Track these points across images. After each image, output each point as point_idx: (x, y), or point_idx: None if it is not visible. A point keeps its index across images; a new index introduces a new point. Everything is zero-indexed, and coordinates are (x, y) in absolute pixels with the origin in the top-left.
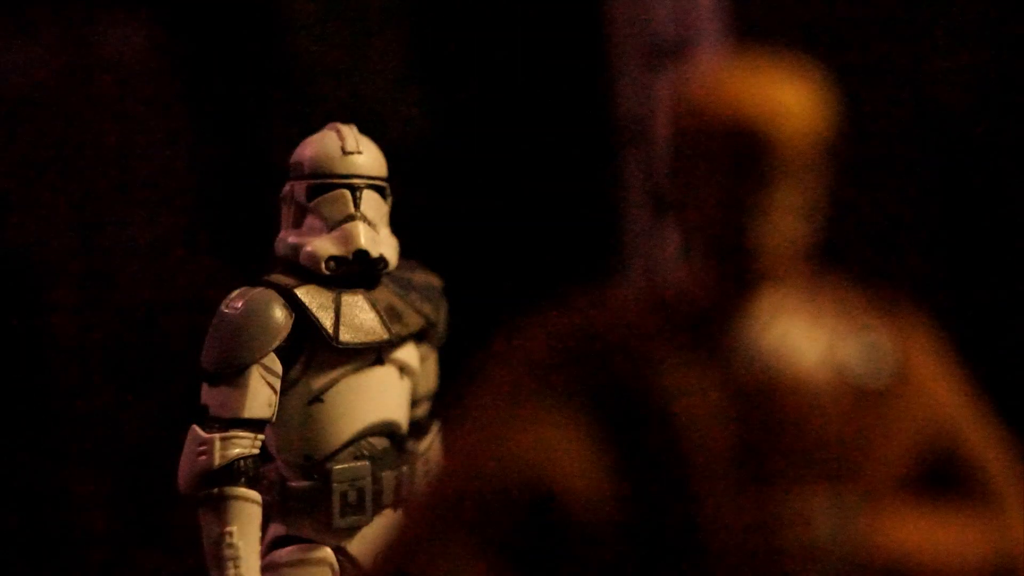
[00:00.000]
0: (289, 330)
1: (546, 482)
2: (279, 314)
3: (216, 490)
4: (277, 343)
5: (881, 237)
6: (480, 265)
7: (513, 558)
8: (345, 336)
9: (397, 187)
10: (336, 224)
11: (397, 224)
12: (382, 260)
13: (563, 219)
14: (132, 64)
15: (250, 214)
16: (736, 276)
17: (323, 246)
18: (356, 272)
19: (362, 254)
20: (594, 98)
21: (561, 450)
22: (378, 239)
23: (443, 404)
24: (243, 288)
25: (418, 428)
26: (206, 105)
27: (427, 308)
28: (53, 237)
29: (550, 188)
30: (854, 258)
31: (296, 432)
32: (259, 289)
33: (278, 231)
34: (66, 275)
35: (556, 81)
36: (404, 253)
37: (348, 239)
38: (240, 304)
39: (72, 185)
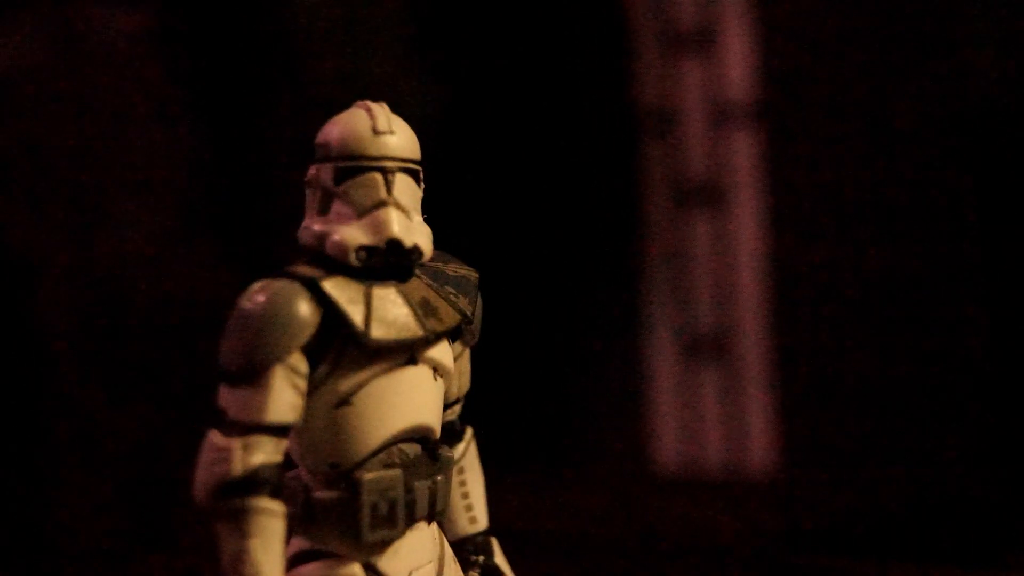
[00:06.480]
0: (316, 327)
1: None
2: (304, 309)
3: (237, 501)
4: (303, 340)
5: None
6: (496, 257)
7: None
8: (377, 332)
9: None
10: (366, 211)
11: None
12: (416, 250)
13: (582, 209)
14: (127, 53)
15: (248, 207)
16: None
17: (352, 234)
18: (388, 263)
19: (395, 244)
20: (616, 88)
21: None
22: (412, 227)
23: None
24: (264, 280)
25: (451, 433)
26: (204, 96)
27: (463, 302)
28: (48, 231)
29: (569, 178)
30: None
31: (322, 438)
32: (282, 281)
33: (301, 218)
34: (62, 271)
35: (576, 70)
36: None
37: (380, 227)
38: (262, 298)
39: (69, 178)
